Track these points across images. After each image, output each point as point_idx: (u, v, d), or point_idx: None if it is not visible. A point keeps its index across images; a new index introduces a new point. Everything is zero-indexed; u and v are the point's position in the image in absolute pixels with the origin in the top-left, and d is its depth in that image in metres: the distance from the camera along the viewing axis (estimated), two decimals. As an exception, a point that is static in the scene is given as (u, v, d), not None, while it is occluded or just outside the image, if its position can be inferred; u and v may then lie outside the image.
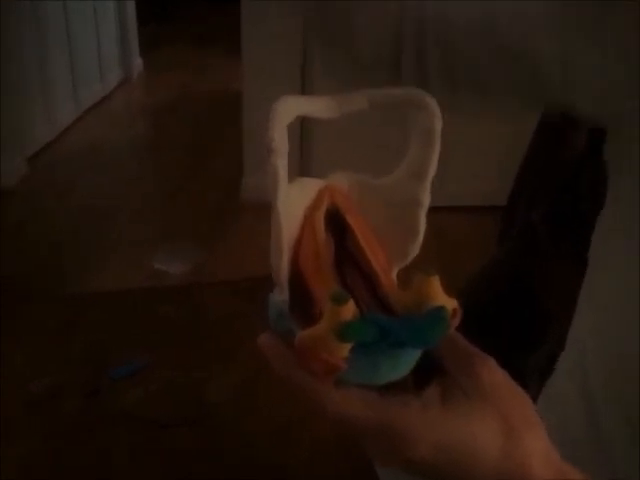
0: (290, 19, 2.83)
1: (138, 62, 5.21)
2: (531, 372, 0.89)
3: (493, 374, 0.41)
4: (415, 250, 0.41)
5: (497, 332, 0.78)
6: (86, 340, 1.04)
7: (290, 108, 0.36)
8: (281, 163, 0.35)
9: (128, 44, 5.01)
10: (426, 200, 0.40)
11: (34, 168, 3.51)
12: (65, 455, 0.85)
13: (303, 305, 0.38)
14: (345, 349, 0.35)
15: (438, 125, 0.39)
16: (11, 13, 3.24)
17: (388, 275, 0.40)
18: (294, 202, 0.38)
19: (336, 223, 0.40)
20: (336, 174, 0.41)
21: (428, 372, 0.41)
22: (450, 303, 0.37)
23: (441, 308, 0.36)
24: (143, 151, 4.01)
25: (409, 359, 0.38)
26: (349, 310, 0.34)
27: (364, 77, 0.62)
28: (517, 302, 1.10)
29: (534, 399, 0.82)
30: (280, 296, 0.39)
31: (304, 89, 2.89)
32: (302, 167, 3.04)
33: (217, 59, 5.29)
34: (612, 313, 0.65)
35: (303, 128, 3.02)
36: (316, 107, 0.38)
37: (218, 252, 2.74)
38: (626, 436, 0.65)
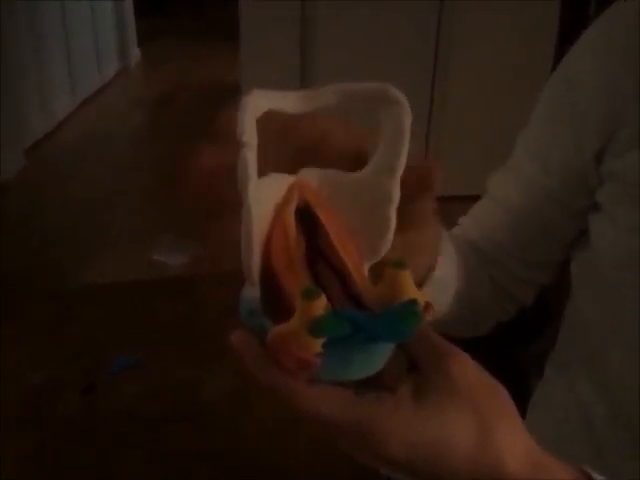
0: (289, 10, 2.83)
1: (136, 53, 5.19)
2: (531, 363, 0.89)
3: (465, 369, 0.41)
4: (387, 245, 0.41)
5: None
6: (83, 335, 1.04)
7: (260, 102, 0.36)
8: (251, 157, 0.35)
9: (126, 35, 4.99)
10: (396, 195, 0.40)
11: (32, 160, 3.50)
12: (61, 449, 0.85)
13: (275, 302, 0.37)
14: (317, 344, 0.34)
15: (407, 120, 0.39)
16: (7, 5, 3.22)
17: (360, 271, 0.40)
18: (264, 197, 0.38)
19: (307, 219, 0.40)
20: (306, 170, 0.41)
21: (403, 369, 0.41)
22: (422, 296, 0.36)
23: (412, 301, 0.36)
24: (141, 142, 4.00)
25: (382, 354, 0.38)
26: (320, 305, 0.34)
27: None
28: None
29: (531, 392, 0.83)
30: (251, 292, 0.38)
31: (303, 80, 2.88)
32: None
33: (215, 50, 5.27)
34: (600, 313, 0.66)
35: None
36: (286, 102, 0.38)
37: (217, 244, 2.74)
38: (619, 434, 0.66)
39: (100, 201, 3.18)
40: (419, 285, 0.55)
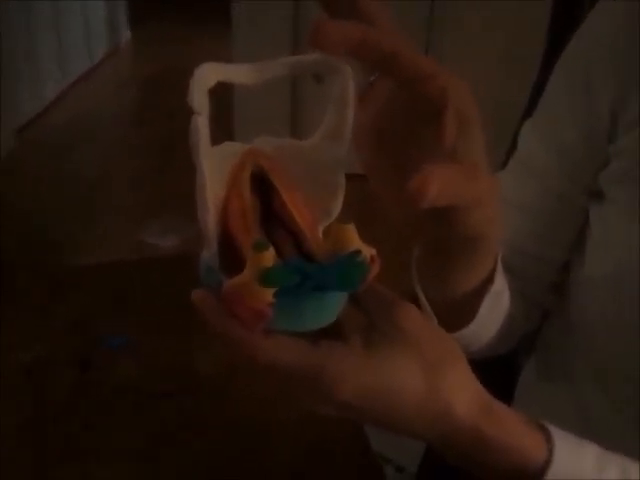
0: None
1: (126, 34, 5.16)
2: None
3: (412, 317, 0.42)
4: (337, 208, 0.43)
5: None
6: (76, 312, 1.04)
7: (211, 73, 0.38)
8: (202, 122, 0.37)
9: (116, 16, 4.95)
10: (344, 160, 0.42)
11: (22, 141, 3.48)
12: (56, 425, 0.86)
13: (231, 261, 0.39)
14: (268, 294, 0.36)
15: (351, 88, 0.41)
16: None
17: (313, 232, 0.41)
18: (219, 164, 0.40)
19: (261, 184, 0.42)
20: (260, 138, 0.43)
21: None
22: (367, 250, 0.38)
23: (357, 252, 0.37)
24: (131, 123, 3.99)
25: (333, 304, 0.40)
26: (270, 257, 0.36)
27: None
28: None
29: (519, 369, 0.84)
30: (209, 253, 0.40)
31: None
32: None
33: (206, 31, 5.24)
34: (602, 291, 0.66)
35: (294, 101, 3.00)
36: (237, 73, 0.39)
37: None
38: (614, 418, 0.66)
39: (90, 182, 3.17)
40: (478, 291, 0.56)
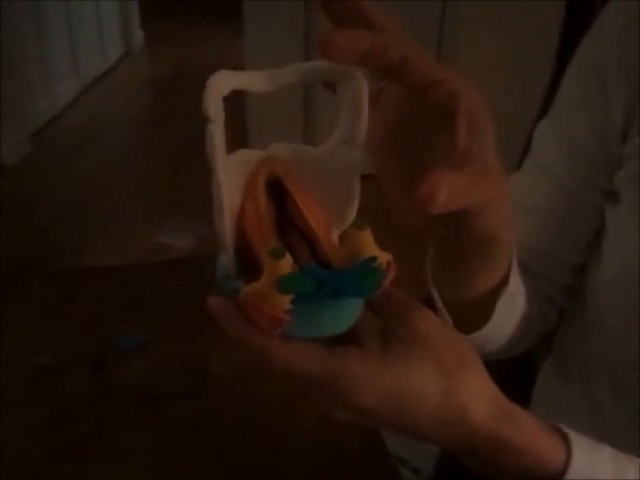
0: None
1: (139, 35, 5.17)
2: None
3: (428, 322, 0.43)
4: (352, 213, 0.43)
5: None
6: (89, 314, 1.05)
7: (225, 81, 0.38)
8: (217, 130, 0.37)
9: (129, 17, 4.97)
10: (359, 166, 0.43)
11: (37, 144, 3.50)
12: (69, 427, 0.86)
13: (248, 268, 0.40)
14: (286, 301, 0.36)
15: (365, 94, 0.41)
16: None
17: (328, 237, 0.42)
18: (235, 172, 0.41)
19: (276, 190, 0.42)
20: (274, 145, 0.43)
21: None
22: (383, 256, 0.38)
23: (372, 258, 0.38)
24: (146, 125, 4.00)
25: (350, 311, 0.40)
26: (287, 264, 0.36)
27: None
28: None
29: (536, 369, 0.83)
30: (226, 260, 0.41)
31: (307, 60, 2.86)
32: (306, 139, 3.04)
33: (218, 31, 5.25)
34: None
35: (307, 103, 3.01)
36: (250, 81, 0.39)
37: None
38: (628, 421, 0.66)
39: (105, 184, 3.19)
40: (493, 293, 0.56)
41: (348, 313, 0.40)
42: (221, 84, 0.38)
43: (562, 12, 1.18)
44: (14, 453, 0.82)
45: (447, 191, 0.37)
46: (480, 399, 0.43)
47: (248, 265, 0.40)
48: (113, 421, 0.87)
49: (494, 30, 2.90)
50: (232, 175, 0.40)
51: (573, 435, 0.46)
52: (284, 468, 0.83)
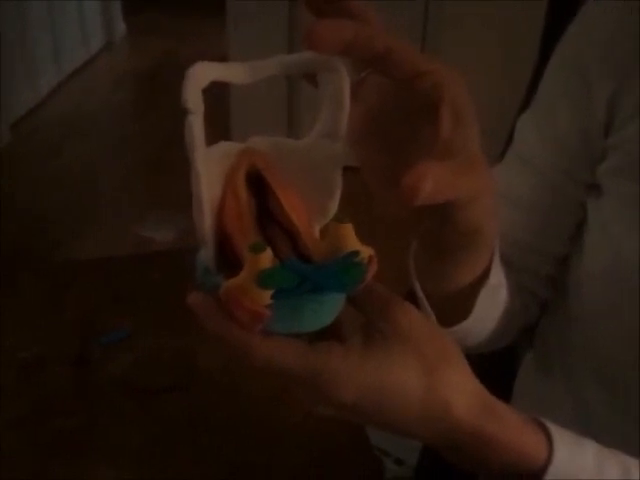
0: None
1: (121, 27, 5.12)
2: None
3: (410, 316, 0.42)
4: (334, 206, 0.43)
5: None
6: (74, 308, 1.04)
7: (205, 72, 0.37)
8: (197, 122, 0.37)
9: (111, 8, 4.92)
10: (340, 158, 0.42)
11: (17, 135, 3.47)
12: (54, 421, 0.86)
13: (228, 262, 0.39)
14: (266, 296, 0.36)
15: (346, 86, 0.41)
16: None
17: (309, 231, 0.41)
18: (215, 164, 0.40)
19: (257, 183, 0.41)
20: (255, 137, 0.43)
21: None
22: (365, 250, 0.38)
23: (354, 253, 0.37)
24: (127, 117, 3.97)
25: (331, 305, 0.40)
26: (267, 258, 0.36)
27: None
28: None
29: (518, 361, 0.84)
30: (205, 254, 0.40)
31: (290, 52, 2.86)
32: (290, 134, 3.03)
33: (201, 23, 5.21)
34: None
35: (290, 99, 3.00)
36: (230, 72, 0.39)
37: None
38: (612, 414, 0.66)
39: (85, 176, 3.16)
40: (474, 286, 0.56)
41: (329, 308, 0.40)
42: (201, 75, 0.37)
43: (545, 7, 1.18)
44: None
45: (432, 182, 0.36)
46: (463, 394, 0.43)
47: (228, 260, 0.39)
48: (98, 415, 0.87)
49: (478, 30, 2.90)
50: (212, 168, 0.39)
51: (555, 430, 0.46)
52: (268, 459, 0.83)
